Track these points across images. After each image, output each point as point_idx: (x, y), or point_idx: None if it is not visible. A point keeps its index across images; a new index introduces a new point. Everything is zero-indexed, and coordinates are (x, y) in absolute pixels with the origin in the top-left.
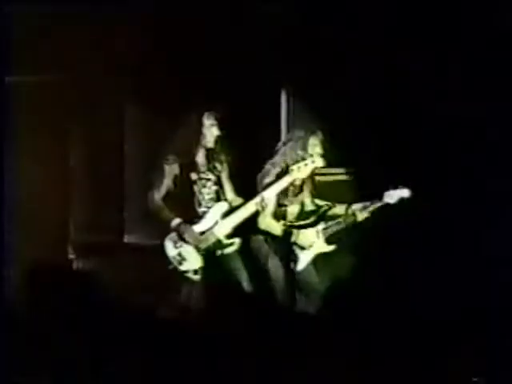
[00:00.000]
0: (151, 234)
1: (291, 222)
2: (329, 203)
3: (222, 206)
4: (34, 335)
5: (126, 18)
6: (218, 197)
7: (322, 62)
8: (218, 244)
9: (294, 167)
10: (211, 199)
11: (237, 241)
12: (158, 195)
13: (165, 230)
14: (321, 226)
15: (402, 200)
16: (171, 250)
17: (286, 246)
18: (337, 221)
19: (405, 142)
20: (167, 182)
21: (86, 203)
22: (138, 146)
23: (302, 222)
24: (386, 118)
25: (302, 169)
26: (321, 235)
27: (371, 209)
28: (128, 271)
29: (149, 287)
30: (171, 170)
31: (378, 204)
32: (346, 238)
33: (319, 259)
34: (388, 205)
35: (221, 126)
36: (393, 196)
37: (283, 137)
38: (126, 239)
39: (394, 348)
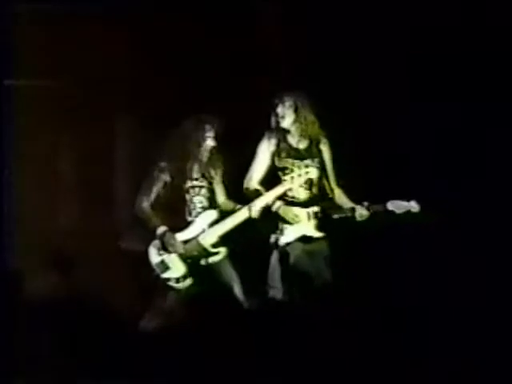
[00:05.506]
0: (143, 239)
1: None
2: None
3: (211, 215)
4: (30, 337)
5: (127, 20)
6: (211, 205)
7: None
8: (204, 252)
9: (287, 177)
10: (203, 207)
11: (223, 250)
12: (147, 202)
13: (154, 237)
14: (314, 209)
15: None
16: (154, 257)
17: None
18: (332, 210)
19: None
20: (157, 189)
21: (82, 208)
22: (134, 152)
23: (294, 200)
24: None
25: (296, 179)
26: (312, 218)
27: (372, 210)
28: (120, 277)
29: (139, 294)
30: (162, 177)
31: (381, 209)
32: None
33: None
34: (392, 213)
35: (216, 137)
36: (399, 206)
37: None
38: (119, 245)
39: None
